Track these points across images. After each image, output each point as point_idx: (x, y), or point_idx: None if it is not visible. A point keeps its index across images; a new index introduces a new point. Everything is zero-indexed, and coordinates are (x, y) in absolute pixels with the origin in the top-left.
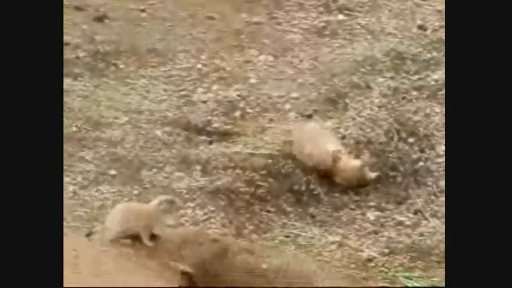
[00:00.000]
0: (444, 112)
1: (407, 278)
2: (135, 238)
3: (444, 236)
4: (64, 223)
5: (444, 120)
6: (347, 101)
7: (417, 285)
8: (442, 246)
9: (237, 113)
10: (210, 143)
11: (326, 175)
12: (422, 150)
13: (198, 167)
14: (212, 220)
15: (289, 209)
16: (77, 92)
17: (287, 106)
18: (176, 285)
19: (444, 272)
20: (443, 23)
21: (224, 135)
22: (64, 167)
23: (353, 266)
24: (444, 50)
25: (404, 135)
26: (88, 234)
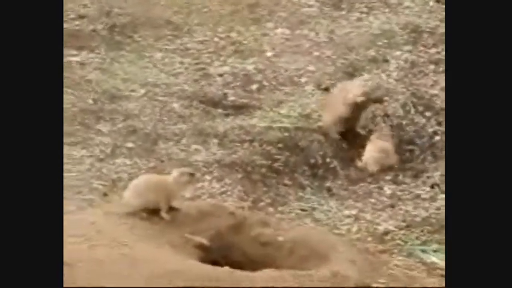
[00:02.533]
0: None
1: (424, 251)
2: (154, 211)
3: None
4: (80, 196)
5: None
6: (364, 74)
7: (434, 258)
8: None
9: (254, 86)
10: (227, 116)
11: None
12: (439, 124)
13: (215, 140)
14: (229, 193)
15: (305, 182)
16: (93, 65)
17: (304, 79)
18: (196, 259)
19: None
20: None
21: (241, 109)
22: (81, 139)
23: (369, 239)
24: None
25: (421, 108)
26: (105, 194)
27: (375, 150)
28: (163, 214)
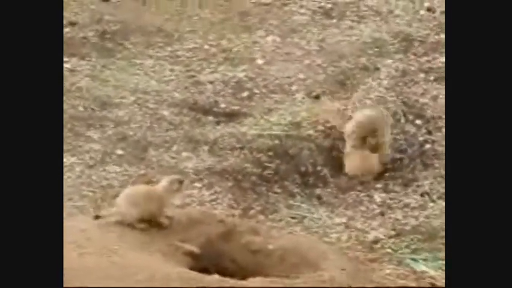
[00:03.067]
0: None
1: (414, 260)
2: (148, 221)
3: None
4: (71, 203)
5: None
6: (355, 82)
7: (424, 267)
8: None
9: (244, 94)
10: (217, 123)
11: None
12: (429, 132)
13: (205, 148)
14: (219, 201)
15: (296, 190)
16: (84, 72)
17: (294, 87)
18: (186, 267)
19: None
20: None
21: (231, 116)
22: (71, 147)
23: (359, 247)
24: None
25: (411, 117)
26: (96, 218)
27: (357, 158)
28: (163, 220)
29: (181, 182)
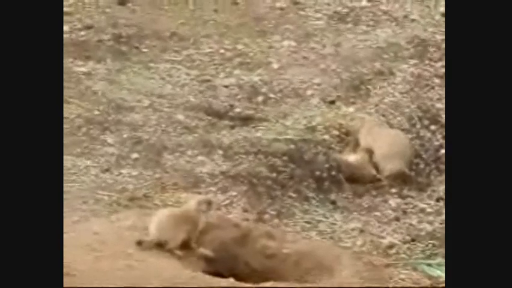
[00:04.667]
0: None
1: (429, 265)
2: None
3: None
4: (86, 206)
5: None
6: (370, 87)
7: (439, 272)
8: None
9: (259, 98)
10: (232, 127)
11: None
12: (444, 138)
13: (220, 152)
14: (234, 205)
15: (310, 194)
16: (99, 76)
17: (309, 92)
18: (201, 271)
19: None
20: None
21: (246, 120)
22: (86, 150)
23: (374, 252)
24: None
25: (426, 122)
26: (139, 244)
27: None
28: (194, 245)
29: (209, 203)
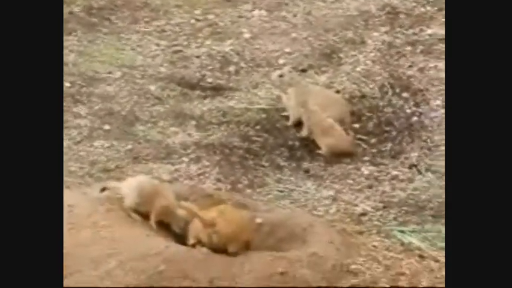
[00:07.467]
0: (439, 67)
1: (401, 232)
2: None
3: (438, 190)
4: None
5: (439, 75)
6: (341, 55)
7: (411, 239)
8: (436, 200)
9: (231, 68)
10: (204, 98)
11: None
12: (416, 105)
13: (192, 122)
14: (206, 175)
15: (283, 163)
16: (70, 47)
17: (281, 61)
18: (172, 242)
19: (438, 226)
20: None
21: (218, 90)
22: None
23: (347, 220)
24: (440, 4)
25: (398, 90)
26: (102, 190)
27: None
28: (152, 223)
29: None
